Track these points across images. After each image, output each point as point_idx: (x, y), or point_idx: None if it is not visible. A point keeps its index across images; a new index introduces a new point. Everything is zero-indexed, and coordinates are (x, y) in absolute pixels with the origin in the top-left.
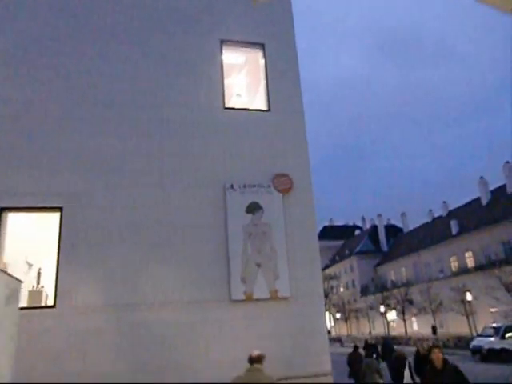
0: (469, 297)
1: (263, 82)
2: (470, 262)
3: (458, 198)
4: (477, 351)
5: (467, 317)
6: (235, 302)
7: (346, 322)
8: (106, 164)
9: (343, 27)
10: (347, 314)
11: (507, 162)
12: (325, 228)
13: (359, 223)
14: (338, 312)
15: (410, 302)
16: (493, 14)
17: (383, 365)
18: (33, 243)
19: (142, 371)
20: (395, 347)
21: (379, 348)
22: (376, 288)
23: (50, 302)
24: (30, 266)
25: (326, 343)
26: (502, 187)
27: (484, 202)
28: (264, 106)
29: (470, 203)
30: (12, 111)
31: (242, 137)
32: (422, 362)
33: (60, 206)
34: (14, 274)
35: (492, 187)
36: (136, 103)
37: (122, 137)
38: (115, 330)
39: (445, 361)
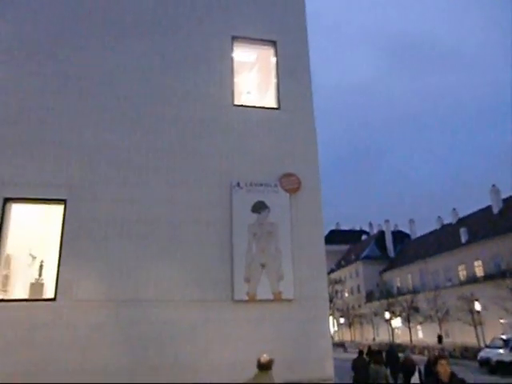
0: (477, 306)
1: (274, 80)
2: (479, 271)
3: (468, 205)
4: (485, 363)
5: (475, 327)
6: (237, 303)
7: (349, 327)
8: (113, 158)
9: (353, 32)
10: (351, 319)
11: None
12: (331, 232)
13: (366, 228)
14: (341, 317)
15: (416, 310)
16: (506, 19)
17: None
18: (37, 235)
19: (140, 368)
20: (400, 355)
21: (383, 355)
22: (381, 294)
23: (51, 295)
24: (34, 258)
25: (329, 348)
26: None
27: (495, 210)
28: (274, 104)
29: (480, 211)
30: (18, 103)
31: (251, 134)
32: (433, 370)
33: (64, 198)
34: (18, 266)
35: (504, 196)
36: (144, 98)
37: (129, 131)
38: (115, 326)
39: (452, 375)
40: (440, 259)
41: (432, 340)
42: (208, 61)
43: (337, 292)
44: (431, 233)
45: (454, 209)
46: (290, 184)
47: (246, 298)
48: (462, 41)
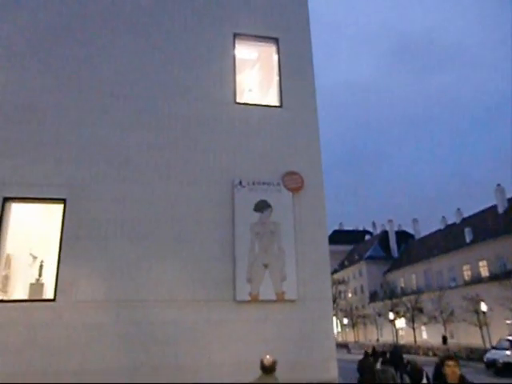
0: (483, 307)
1: (276, 78)
2: (484, 272)
3: (472, 205)
4: (491, 364)
5: (480, 328)
6: (240, 303)
7: (353, 328)
8: (113, 156)
9: (354, 32)
10: (355, 319)
11: None
12: (334, 232)
13: (369, 228)
14: (345, 317)
15: (420, 311)
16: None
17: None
18: (38, 235)
19: (141, 369)
20: (404, 356)
21: (387, 355)
22: (385, 294)
23: (50, 296)
24: (35, 258)
25: (333, 349)
26: None
27: (501, 210)
28: (276, 102)
29: (485, 211)
30: (18, 102)
31: (253, 133)
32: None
33: (64, 197)
34: (18, 267)
35: (509, 195)
36: (145, 95)
37: (129, 129)
38: (115, 327)
39: (462, 378)
40: (444, 259)
41: (436, 341)
42: (209, 58)
43: (340, 292)
44: (435, 233)
45: (459, 208)
46: (293, 183)
47: (249, 298)
48: (464, 40)
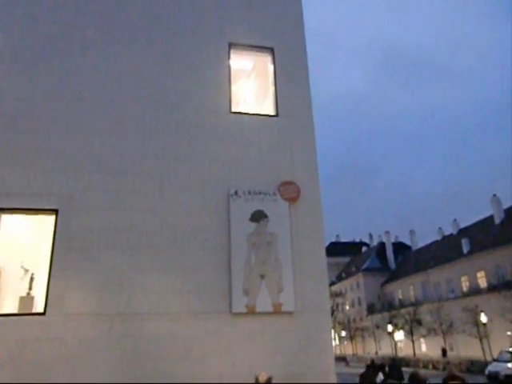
0: (483, 318)
1: (272, 87)
2: (482, 283)
3: (469, 216)
4: (493, 377)
5: (480, 340)
6: (236, 315)
7: (351, 340)
8: (106, 166)
9: (347, 46)
10: (352, 332)
11: None
12: (331, 244)
13: (366, 240)
14: (343, 330)
15: (419, 323)
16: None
17: None
18: (30, 247)
19: None
20: (404, 369)
21: (386, 368)
22: (383, 306)
23: (40, 309)
24: (26, 271)
25: (331, 362)
26: None
27: (497, 220)
28: (272, 111)
29: (482, 221)
30: (8, 110)
31: (248, 142)
32: None
33: (55, 208)
34: (9, 280)
35: (505, 206)
36: (138, 104)
37: (122, 138)
38: (107, 340)
39: None
40: (442, 270)
41: (436, 353)
42: (204, 68)
43: (337, 305)
44: (432, 244)
45: (455, 219)
46: (290, 192)
47: (245, 310)
48: (459, 53)
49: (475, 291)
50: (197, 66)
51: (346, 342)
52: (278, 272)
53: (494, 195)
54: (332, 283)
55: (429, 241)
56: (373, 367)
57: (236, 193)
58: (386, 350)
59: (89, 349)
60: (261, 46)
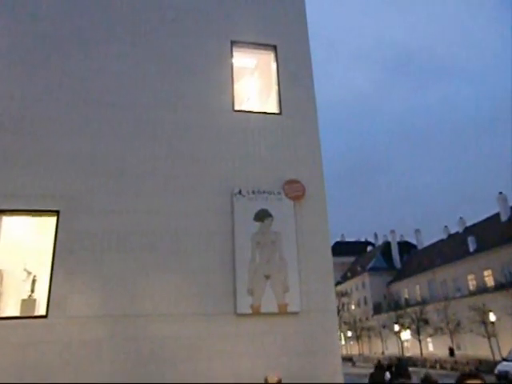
0: (492, 317)
1: (275, 85)
2: (489, 281)
3: (474, 214)
4: (503, 377)
5: (489, 339)
6: (241, 316)
7: (357, 340)
8: (108, 166)
9: (352, 47)
10: (359, 332)
11: None
12: (336, 244)
13: (371, 239)
14: (349, 330)
15: (426, 322)
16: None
17: None
18: (33, 249)
19: None
20: (411, 369)
21: (393, 368)
22: (389, 306)
23: (42, 312)
24: (29, 273)
25: (338, 363)
26: None
27: (504, 218)
28: (275, 109)
29: (488, 219)
30: (9, 111)
31: (252, 140)
32: None
33: (57, 209)
34: (12, 283)
35: None
36: (140, 104)
37: (124, 138)
38: (110, 343)
39: None
40: (448, 269)
41: (443, 353)
42: (207, 66)
43: (343, 305)
44: (438, 242)
45: (461, 217)
46: (294, 191)
47: (250, 311)
48: (462, 53)
49: (482, 290)
50: (199, 64)
51: (352, 342)
52: (283, 272)
53: (500, 193)
54: (337, 283)
55: (434, 239)
56: (380, 367)
57: (240, 192)
58: (392, 350)
59: (92, 351)
60: (264, 43)
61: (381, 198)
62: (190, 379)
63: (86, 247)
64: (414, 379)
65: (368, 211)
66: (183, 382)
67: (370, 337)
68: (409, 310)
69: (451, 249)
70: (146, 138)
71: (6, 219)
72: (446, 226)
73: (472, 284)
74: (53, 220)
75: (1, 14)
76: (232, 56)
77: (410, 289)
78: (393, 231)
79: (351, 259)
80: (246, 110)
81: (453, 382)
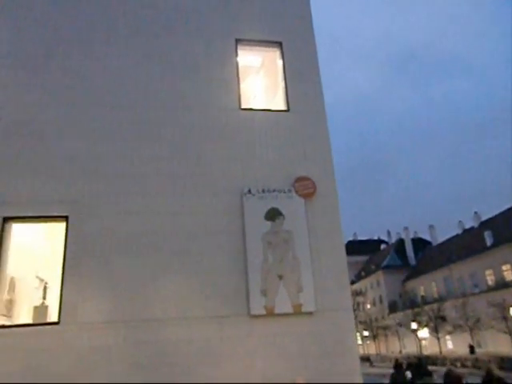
0: None
1: (281, 83)
2: (508, 276)
3: (489, 209)
4: None
5: (510, 335)
6: (254, 317)
7: (374, 340)
8: (115, 170)
9: (353, 44)
10: (375, 331)
11: None
12: (348, 243)
13: (384, 237)
14: (365, 329)
15: (444, 319)
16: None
17: None
18: (45, 257)
19: None
20: (430, 368)
21: (412, 368)
22: (405, 304)
23: (54, 318)
24: (42, 281)
25: (356, 363)
26: None
27: None
28: (283, 107)
29: (504, 213)
30: (16, 117)
31: (260, 138)
32: None
33: (65, 214)
34: (24, 290)
35: None
36: (145, 105)
37: (130, 140)
38: (122, 349)
39: None
40: (465, 265)
41: (463, 350)
42: (212, 65)
43: (358, 304)
44: (453, 238)
45: (476, 212)
46: (305, 188)
47: (264, 312)
48: (468, 49)
49: (501, 285)
50: (203, 63)
51: (368, 342)
52: (297, 271)
53: None
54: (351, 282)
55: (449, 235)
56: (399, 366)
57: (249, 191)
58: (410, 349)
59: (103, 357)
60: (269, 40)
61: (391, 195)
62: (204, 382)
63: (95, 252)
64: (434, 378)
65: (379, 209)
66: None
67: (386, 336)
68: (426, 307)
69: (467, 244)
70: (151, 138)
71: (16, 226)
72: (460, 221)
73: (490, 279)
74: (62, 226)
75: (4, 21)
76: (237, 54)
77: (426, 286)
78: (406, 228)
79: (364, 258)
80: (253, 108)
81: (478, 381)
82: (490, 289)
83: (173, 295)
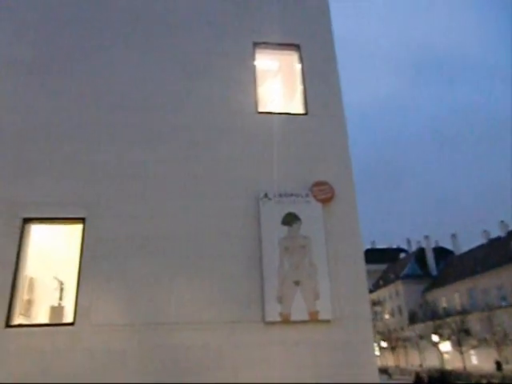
0: None
1: (299, 86)
2: None
3: None
4: None
5: None
6: (270, 324)
7: (392, 351)
8: (131, 173)
9: (375, 49)
10: (394, 343)
11: None
12: (367, 251)
13: (404, 246)
14: (383, 340)
15: (467, 333)
16: None
17: None
18: (64, 258)
19: None
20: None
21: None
22: (425, 315)
23: (70, 319)
24: (60, 282)
25: (375, 375)
26: None
27: None
28: (301, 110)
29: None
30: (34, 121)
31: (277, 142)
32: None
33: (83, 216)
34: (43, 291)
35: None
36: (162, 109)
37: (147, 144)
38: (135, 352)
39: None
40: (491, 276)
41: (489, 366)
42: (229, 68)
43: (376, 314)
44: (478, 248)
45: (502, 221)
46: (323, 193)
47: (279, 318)
48: (492, 53)
49: None
50: (221, 66)
51: (386, 354)
52: (314, 278)
53: None
54: (369, 291)
55: (473, 245)
56: (418, 381)
57: (266, 195)
58: (430, 362)
59: (117, 360)
60: (287, 43)
61: (411, 203)
62: None
63: (111, 254)
64: None
65: (399, 217)
66: None
67: (405, 348)
68: (448, 319)
69: (493, 254)
70: (167, 142)
71: (35, 228)
72: (485, 231)
73: None
74: (80, 228)
75: (11, 24)
76: (254, 58)
77: (449, 297)
78: (427, 237)
79: (383, 267)
80: (270, 111)
81: None
82: None
83: (187, 299)
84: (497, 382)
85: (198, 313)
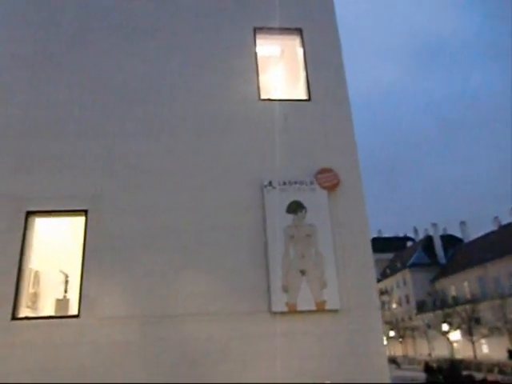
0: None
1: (302, 71)
2: None
3: None
4: None
5: None
6: (276, 315)
7: (400, 341)
8: (134, 165)
9: (380, 38)
10: (402, 332)
11: None
12: (373, 240)
13: (411, 234)
14: (391, 330)
15: (478, 321)
16: None
17: None
18: (68, 251)
19: None
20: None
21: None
22: (434, 304)
23: (74, 312)
24: (65, 274)
25: (385, 366)
26: None
27: None
28: (304, 96)
29: None
30: (37, 115)
31: (281, 129)
32: None
33: (85, 208)
34: (48, 284)
35: None
36: (162, 99)
37: (148, 135)
38: (141, 344)
39: None
40: (502, 264)
41: (501, 355)
42: (230, 55)
43: (384, 303)
44: (488, 235)
45: None
46: (328, 180)
47: (286, 308)
48: (498, 40)
49: None
50: (221, 54)
51: (394, 343)
52: (320, 267)
53: None
54: (377, 280)
55: (482, 232)
56: (429, 370)
57: (270, 183)
58: (439, 352)
59: (123, 352)
60: (288, 27)
61: (419, 190)
62: (224, 380)
63: (115, 246)
64: None
65: (405, 206)
66: (216, 382)
67: (414, 337)
68: (458, 308)
69: (505, 241)
70: (169, 132)
71: (41, 222)
72: (496, 217)
73: None
74: (83, 220)
75: (14, 19)
76: (255, 43)
77: (458, 285)
78: (435, 224)
79: (389, 256)
80: (273, 98)
81: None
82: None
83: (192, 291)
84: (509, 370)
85: (203, 304)
